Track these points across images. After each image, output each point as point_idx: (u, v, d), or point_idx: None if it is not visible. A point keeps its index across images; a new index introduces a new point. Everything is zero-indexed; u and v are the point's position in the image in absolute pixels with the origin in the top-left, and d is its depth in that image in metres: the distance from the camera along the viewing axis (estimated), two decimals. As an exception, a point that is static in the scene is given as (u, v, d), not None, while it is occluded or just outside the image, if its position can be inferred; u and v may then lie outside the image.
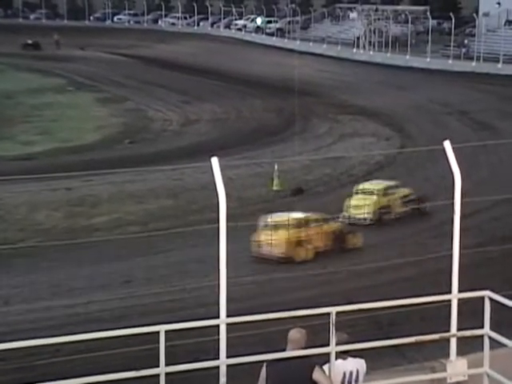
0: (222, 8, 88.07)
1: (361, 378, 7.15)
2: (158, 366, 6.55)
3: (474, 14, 61.63)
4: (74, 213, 23.57)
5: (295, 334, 6.71)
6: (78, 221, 22.84)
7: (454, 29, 57.95)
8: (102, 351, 11.35)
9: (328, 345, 6.86)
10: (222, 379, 6.93)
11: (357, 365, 7.14)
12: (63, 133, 38.47)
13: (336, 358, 7.01)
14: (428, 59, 56.59)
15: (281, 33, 76.42)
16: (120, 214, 23.41)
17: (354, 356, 7.13)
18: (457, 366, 7.94)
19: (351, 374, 7.10)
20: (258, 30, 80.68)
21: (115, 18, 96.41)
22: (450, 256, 7.93)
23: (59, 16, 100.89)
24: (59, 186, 26.16)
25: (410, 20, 62.47)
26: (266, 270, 17.49)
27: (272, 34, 76.85)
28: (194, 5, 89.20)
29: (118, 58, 68.35)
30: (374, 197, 21.49)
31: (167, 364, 6.56)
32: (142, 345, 10.38)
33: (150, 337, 6.72)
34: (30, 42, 74.97)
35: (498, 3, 60.10)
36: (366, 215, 20.96)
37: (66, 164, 30.15)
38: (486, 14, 61.34)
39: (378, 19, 66.01)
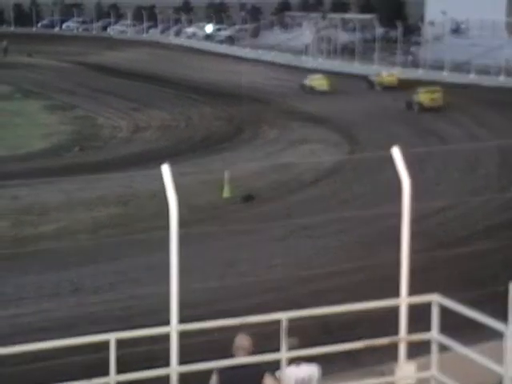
0: (172, 16, 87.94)
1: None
2: (108, 375, 6.50)
3: (420, 23, 62.62)
4: (21, 221, 23.24)
5: (242, 340, 6.71)
6: (25, 229, 22.52)
7: (401, 37, 58.80)
8: (52, 361, 11.22)
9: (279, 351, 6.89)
10: (174, 387, 6.90)
11: (310, 371, 7.16)
12: (11, 140, 37.93)
13: (289, 364, 7.04)
14: (375, 67, 57.27)
15: (230, 40, 76.59)
16: (68, 222, 23.16)
17: (309, 362, 7.16)
18: (405, 369, 8.04)
19: (303, 380, 7.12)
20: (207, 37, 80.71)
21: (64, 25, 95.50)
22: (399, 261, 8.03)
23: (6, 22, 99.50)
24: (6, 194, 25.79)
25: (357, 28, 63.18)
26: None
27: (222, 42, 76.97)
28: (143, 12, 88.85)
29: (66, 65, 67.71)
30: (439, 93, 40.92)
31: (118, 372, 6.51)
32: (93, 354, 10.30)
33: (100, 345, 6.67)
34: (-24, 48, 73.90)
35: (443, 12, 61.19)
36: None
37: (14, 172, 29.73)
38: (431, 23, 62.37)
39: (327, 27, 66.59)
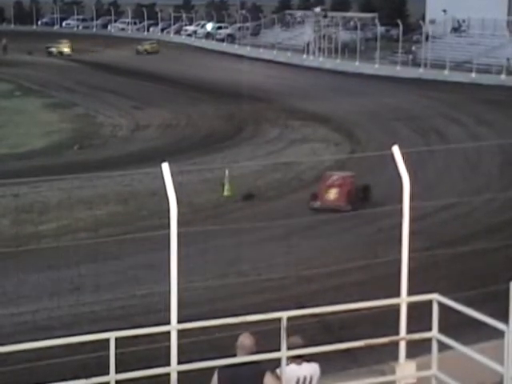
0: (172, 14, 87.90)
1: (314, 383, 7.20)
2: (108, 374, 6.49)
3: (421, 21, 62.62)
4: (21, 219, 23.22)
5: (245, 339, 6.71)
6: (25, 228, 22.51)
7: (402, 35, 58.79)
8: (52, 359, 11.22)
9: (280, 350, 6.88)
10: (173, 386, 6.91)
11: (311, 370, 7.16)
12: (11, 139, 37.94)
13: (290, 363, 7.03)
14: (376, 65, 57.28)
15: (231, 39, 76.58)
16: (69, 221, 23.15)
17: (309, 361, 7.16)
18: (406, 368, 8.04)
19: (305, 378, 7.13)
20: (208, 35, 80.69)
21: (64, 23, 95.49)
22: (399, 260, 8.03)
23: (6, 20, 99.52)
24: (6, 192, 25.77)
25: (358, 27, 63.15)
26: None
27: (222, 40, 76.96)
28: (144, 10, 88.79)
29: (66, 63, 67.71)
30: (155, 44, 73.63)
31: (117, 371, 6.51)
32: (93, 352, 10.30)
33: (100, 344, 6.66)
34: (-24, 46, 74.04)
35: (444, 10, 61.16)
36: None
37: (14, 170, 29.72)
38: (432, 22, 62.39)
39: (328, 26, 66.57)
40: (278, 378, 6.85)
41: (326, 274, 17.16)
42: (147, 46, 75.04)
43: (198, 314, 9.84)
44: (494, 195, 23.36)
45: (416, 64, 56.26)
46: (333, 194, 23.16)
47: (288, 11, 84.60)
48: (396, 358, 8.12)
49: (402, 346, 8.05)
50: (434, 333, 7.47)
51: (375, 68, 56.97)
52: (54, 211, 24.09)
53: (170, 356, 7.00)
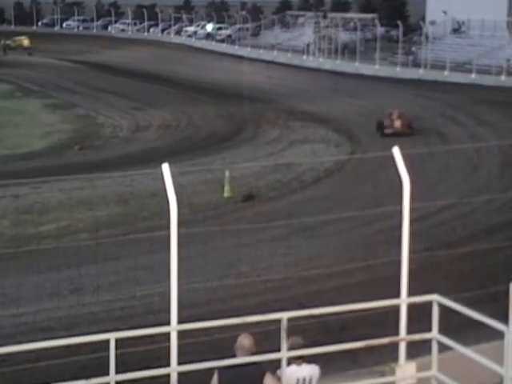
0: (173, 14, 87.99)
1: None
2: (108, 375, 6.50)
3: (421, 22, 62.65)
4: (21, 220, 23.22)
5: (244, 340, 6.72)
6: (25, 228, 22.51)
7: (402, 36, 58.83)
8: (51, 360, 11.22)
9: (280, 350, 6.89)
10: (173, 387, 6.91)
11: (311, 371, 7.17)
12: (11, 139, 37.95)
13: (290, 364, 7.04)
14: (376, 66, 57.29)
15: (231, 39, 76.62)
16: (69, 221, 23.15)
17: (309, 362, 7.17)
18: (406, 369, 8.04)
19: (304, 380, 7.14)
20: (208, 36, 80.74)
21: (64, 24, 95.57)
22: (399, 261, 8.03)
23: (6, 21, 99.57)
24: (6, 193, 25.77)
25: (358, 27, 63.17)
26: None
27: (222, 41, 77.00)
28: (144, 11, 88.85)
29: (66, 63, 67.75)
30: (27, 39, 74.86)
31: (117, 372, 6.51)
32: (93, 353, 10.30)
33: (100, 345, 6.67)
34: (-24, 47, 74.16)
35: (444, 12, 61.19)
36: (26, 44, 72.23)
37: (14, 171, 29.73)
38: (432, 23, 62.44)
39: (327, 26, 66.63)
40: (279, 378, 6.86)
41: (326, 274, 17.16)
42: (20, 42, 77.30)
43: (198, 315, 9.85)
44: (493, 196, 23.36)
45: (416, 65, 56.26)
46: (398, 123, 34.10)
47: (288, 12, 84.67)
48: (396, 358, 8.13)
49: (402, 346, 8.05)
50: (434, 333, 7.48)
51: (375, 69, 56.96)
52: (54, 212, 24.09)
53: (170, 357, 7.01)
